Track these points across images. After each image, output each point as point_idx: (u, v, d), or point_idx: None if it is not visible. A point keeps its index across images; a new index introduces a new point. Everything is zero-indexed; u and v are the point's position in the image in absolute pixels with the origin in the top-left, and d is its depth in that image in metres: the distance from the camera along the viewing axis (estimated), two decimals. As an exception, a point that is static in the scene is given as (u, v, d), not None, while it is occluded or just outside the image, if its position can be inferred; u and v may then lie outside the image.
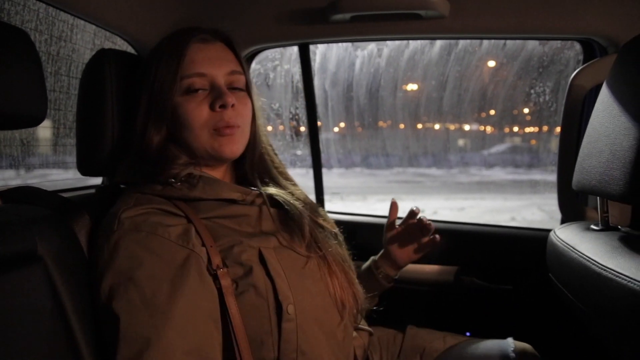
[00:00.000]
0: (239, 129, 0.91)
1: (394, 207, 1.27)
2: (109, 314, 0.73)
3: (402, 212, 1.29)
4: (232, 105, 0.89)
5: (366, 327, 1.07)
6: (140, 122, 0.90)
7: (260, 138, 1.01)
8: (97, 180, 1.35)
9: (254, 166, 1.00)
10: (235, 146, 0.91)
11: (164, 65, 0.88)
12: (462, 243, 1.56)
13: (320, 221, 0.99)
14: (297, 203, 0.95)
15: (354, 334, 0.99)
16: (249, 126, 0.95)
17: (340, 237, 1.03)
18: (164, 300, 0.74)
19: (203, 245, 0.82)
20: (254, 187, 0.97)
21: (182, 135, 0.90)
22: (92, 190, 1.06)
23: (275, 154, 1.08)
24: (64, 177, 1.48)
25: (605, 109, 0.83)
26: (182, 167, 0.89)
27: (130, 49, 1.36)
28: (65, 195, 0.92)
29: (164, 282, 0.75)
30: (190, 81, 0.88)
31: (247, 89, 0.96)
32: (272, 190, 0.96)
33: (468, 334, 1.53)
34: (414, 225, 1.19)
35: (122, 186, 1.03)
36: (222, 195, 0.88)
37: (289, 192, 0.99)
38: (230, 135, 0.89)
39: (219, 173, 0.97)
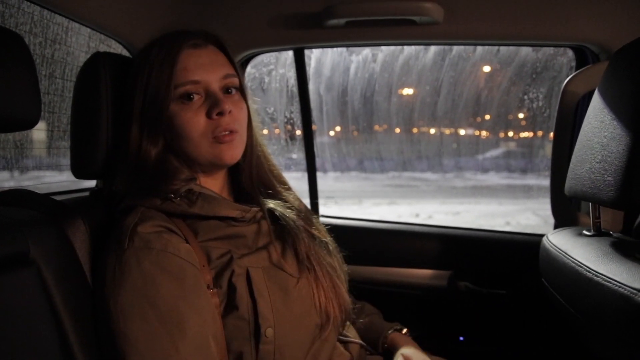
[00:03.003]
0: (238, 134, 0.89)
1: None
2: (122, 332, 0.73)
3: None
4: (230, 112, 0.87)
5: (357, 340, 1.04)
6: (134, 134, 0.88)
7: (257, 140, 1.00)
8: (91, 183, 1.35)
9: (253, 174, 0.99)
10: (235, 151, 0.90)
11: (155, 74, 0.86)
12: (456, 247, 1.56)
13: (313, 231, 0.99)
14: (294, 216, 0.95)
15: (341, 348, 0.97)
16: (246, 130, 0.94)
17: (331, 246, 1.02)
18: (179, 316, 0.75)
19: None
20: (253, 197, 0.96)
21: (181, 145, 0.88)
22: (86, 193, 1.05)
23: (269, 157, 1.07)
24: (58, 179, 1.48)
25: (597, 115, 0.84)
26: (183, 182, 0.87)
27: (125, 52, 1.36)
28: (59, 198, 0.92)
29: (179, 300, 0.76)
30: (184, 89, 0.86)
31: (242, 91, 0.95)
32: (270, 204, 0.95)
33: (461, 338, 1.53)
34: None
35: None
36: (221, 213, 0.87)
37: (285, 203, 0.98)
38: (230, 142, 0.88)
39: (217, 182, 0.96)
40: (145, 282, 0.75)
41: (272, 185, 1.01)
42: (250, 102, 0.97)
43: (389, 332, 1.08)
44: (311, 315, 0.88)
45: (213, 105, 0.86)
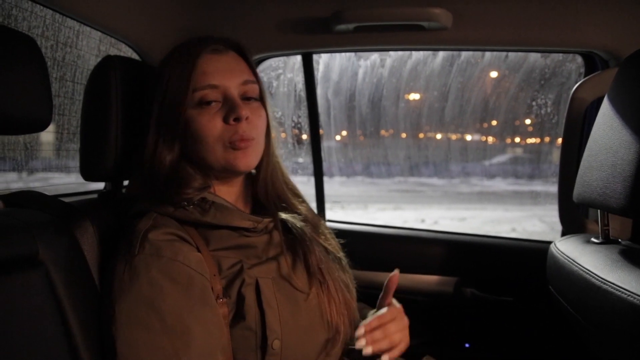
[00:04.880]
0: (254, 141, 0.88)
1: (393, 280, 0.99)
2: (125, 339, 0.73)
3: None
4: (247, 118, 0.86)
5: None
6: (151, 139, 0.88)
7: (273, 150, 0.98)
8: (99, 185, 1.36)
9: (268, 185, 0.97)
10: (250, 159, 0.89)
11: (175, 77, 0.86)
12: (463, 254, 1.56)
13: (326, 245, 0.98)
14: (306, 229, 0.94)
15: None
16: (263, 138, 0.92)
17: (344, 261, 1.01)
18: (183, 327, 0.74)
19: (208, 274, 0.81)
20: (267, 208, 0.95)
21: (196, 150, 0.88)
22: (95, 196, 1.06)
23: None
24: (65, 181, 1.49)
25: (606, 122, 0.84)
26: (197, 191, 0.86)
27: (135, 56, 1.37)
28: (67, 199, 0.93)
29: (184, 310, 0.75)
30: (202, 93, 0.86)
31: (262, 99, 0.94)
32: (284, 215, 0.94)
33: (467, 345, 1.53)
34: None
35: (124, 191, 1.04)
36: (233, 223, 0.86)
37: (299, 216, 0.97)
38: (245, 149, 0.87)
39: (233, 190, 0.95)
40: (153, 290, 0.75)
41: (287, 198, 1.00)
42: (270, 110, 0.96)
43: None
44: (320, 329, 0.87)
45: (230, 111, 0.85)
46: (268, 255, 0.88)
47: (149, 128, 0.88)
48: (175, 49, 0.90)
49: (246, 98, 0.90)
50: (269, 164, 0.97)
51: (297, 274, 0.89)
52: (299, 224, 0.94)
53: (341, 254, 1.01)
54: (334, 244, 1.01)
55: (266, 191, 0.97)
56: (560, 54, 1.89)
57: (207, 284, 0.80)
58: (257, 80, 0.93)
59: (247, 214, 0.90)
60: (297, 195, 1.04)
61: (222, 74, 0.87)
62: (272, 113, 0.99)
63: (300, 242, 0.92)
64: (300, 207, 1.01)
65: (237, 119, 0.85)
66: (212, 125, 0.85)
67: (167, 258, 0.77)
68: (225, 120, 0.86)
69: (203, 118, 0.86)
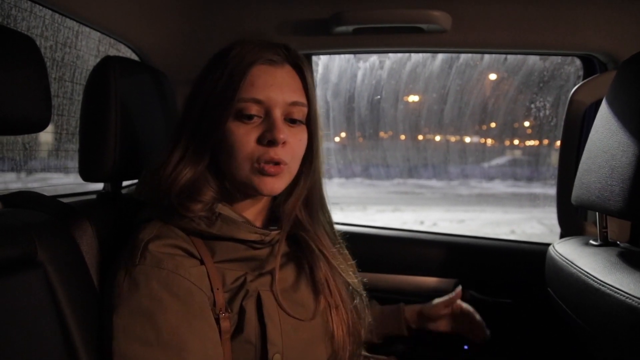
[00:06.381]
0: (286, 166, 0.82)
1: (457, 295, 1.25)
2: (122, 352, 0.72)
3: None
4: (284, 143, 0.81)
5: (365, 353, 1.02)
6: (176, 154, 0.83)
7: (315, 176, 0.91)
8: (98, 186, 1.36)
9: (295, 210, 0.90)
10: (277, 184, 0.83)
11: (222, 84, 0.80)
12: (462, 256, 1.56)
13: (345, 275, 0.94)
14: (315, 243, 0.91)
15: None
16: (298, 162, 0.86)
17: (364, 297, 0.98)
18: (180, 342, 0.73)
19: (211, 288, 0.80)
20: (282, 221, 0.89)
21: (225, 163, 0.83)
22: (93, 196, 1.06)
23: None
24: (64, 181, 1.48)
25: (605, 125, 0.84)
26: (205, 205, 0.82)
27: (134, 56, 1.37)
28: (65, 200, 0.92)
29: (182, 324, 0.74)
30: (244, 105, 0.80)
31: (309, 121, 0.86)
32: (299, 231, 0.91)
33: (466, 347, 1.52)
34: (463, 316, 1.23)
35: (123, 191, 1.04)
36: (239, 236, 0.83)
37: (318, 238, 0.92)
38: (273, 175, 0.81)
39: (254, 204, 0.90)
40: (152, 303, 0.74)
41: (315, 228, 0.93)
42: (319, 135, 0.89)
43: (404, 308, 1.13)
44: (323, 345, 0.86)
45: (267, 131, 0.80)
46: (272, 267, 0.86)
47: (178, 139, 0.84)
48: (233, 47, 0.83)
49: (290, 120, 0.84)
50: (304, 187, 0.90)
51: (301, 288, 0.88)
52: (311, 240, 0.91)
53: (362, 292, 0.98)
54: (356, 282, 0.97)
55: (290, 215, 0.90)
56: (559, 57, 1.89)
57: (206, 299, 0.78)
58: (309, 101, 0.86)
59: (254, 227, 0.85)
60: (330, 222, 1.00)
61: (271, 89, 0.81)
62: (322, 138, 0.92)
63: (306, 255, 0.90)
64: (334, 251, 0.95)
65: (272, 142, 0.80)
66: (245, 141, 0.80)
67: (168, 270, 0.76)
68: (260, 140, 0.80)
69: (239, 131, 0.80)
